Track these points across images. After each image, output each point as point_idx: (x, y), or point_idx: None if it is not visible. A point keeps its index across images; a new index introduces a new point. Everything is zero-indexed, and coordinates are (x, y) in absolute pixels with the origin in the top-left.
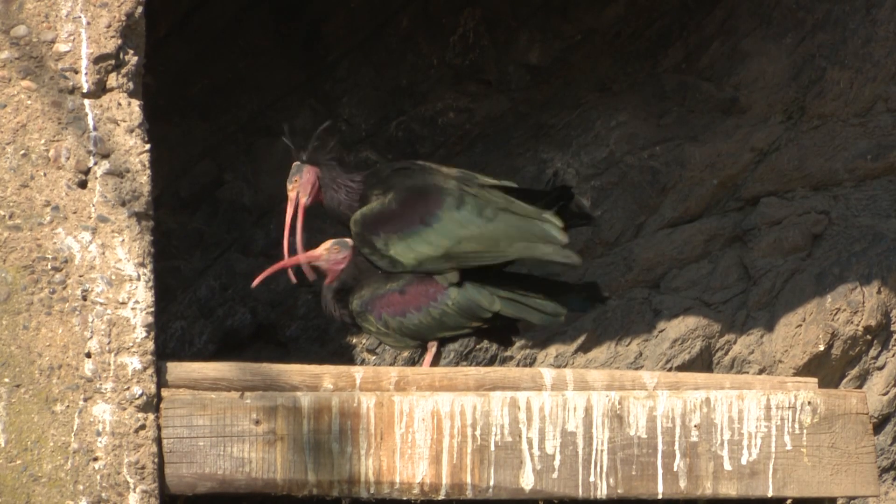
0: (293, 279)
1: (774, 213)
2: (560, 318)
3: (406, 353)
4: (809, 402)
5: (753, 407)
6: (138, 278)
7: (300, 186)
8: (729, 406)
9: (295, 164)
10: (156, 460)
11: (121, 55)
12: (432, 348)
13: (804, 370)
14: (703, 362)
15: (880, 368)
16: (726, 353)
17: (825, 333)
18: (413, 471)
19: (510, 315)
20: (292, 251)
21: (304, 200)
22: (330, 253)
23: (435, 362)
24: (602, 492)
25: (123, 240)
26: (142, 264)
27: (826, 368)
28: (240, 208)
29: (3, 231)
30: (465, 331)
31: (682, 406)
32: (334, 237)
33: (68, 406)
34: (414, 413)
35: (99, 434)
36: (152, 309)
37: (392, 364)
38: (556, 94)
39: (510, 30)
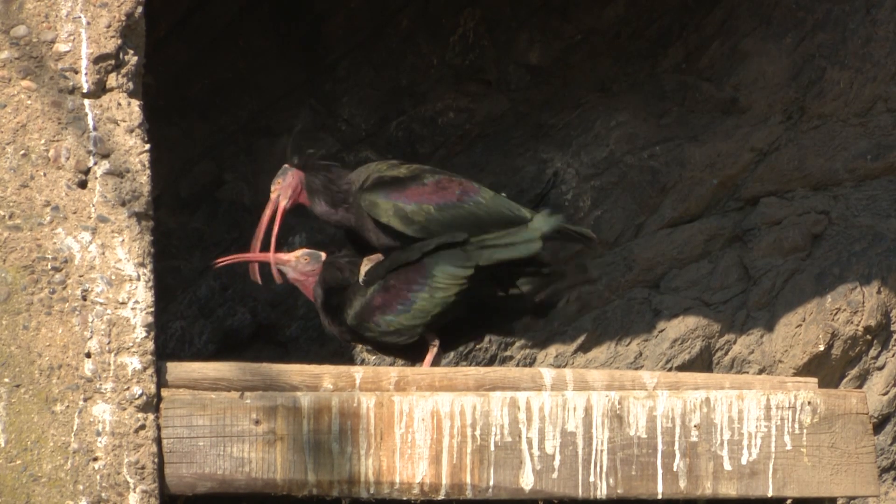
0: (258, 279)
1: (774, 213)
2: (536, 242)
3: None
4: (809, 402)
5: (753, 407)
6: (138, 278)
7: (281, 189)
8: (729, 406)
9: (284, 165)
10: (156, 460)
11: (121, 55)
12: (433, 349)
13: (804, 370)
14: (703, 362)
15: (880, 368)
16: (726, 353)
17: (825, 333)
18: (413, 471)
19: (488, 262)
20: (264, 250)
21: (283, 204)
22: (299, 262)
23: (436, 362)
24: (602, 492)
25: (123, 240)
26: (142, 264)
27: (826, 368)
28: (240, 208)
29: (3, 231)
30: (461, 287)
31: (681, 406)
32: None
33: (68, 406)
34: (414, 413)
35: (99, 434)
36: (152, 309)
37: (392, 364)
38: (556, 94)
39: (510, 30)
